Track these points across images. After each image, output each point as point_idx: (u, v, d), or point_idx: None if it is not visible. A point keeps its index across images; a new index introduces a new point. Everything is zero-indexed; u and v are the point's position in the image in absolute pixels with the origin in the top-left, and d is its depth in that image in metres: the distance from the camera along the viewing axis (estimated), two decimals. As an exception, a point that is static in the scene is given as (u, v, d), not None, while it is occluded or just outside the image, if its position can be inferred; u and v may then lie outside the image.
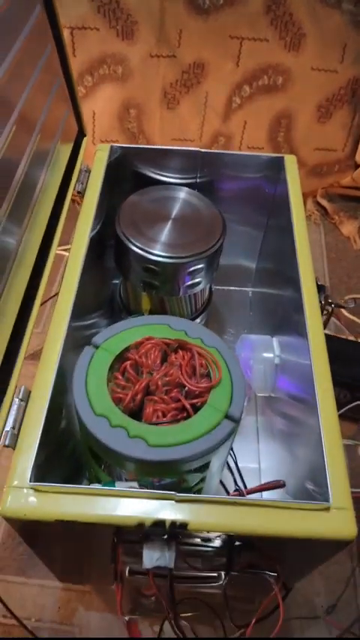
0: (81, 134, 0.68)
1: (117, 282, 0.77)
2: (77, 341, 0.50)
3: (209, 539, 0.41)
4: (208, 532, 0.40)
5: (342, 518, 0.39)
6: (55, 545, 0.47)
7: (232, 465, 0.62)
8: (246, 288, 0.90)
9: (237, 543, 0.41)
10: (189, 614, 0.56)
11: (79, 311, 0.52)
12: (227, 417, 0.43)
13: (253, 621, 0.44)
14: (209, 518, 0.38)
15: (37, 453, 0.41)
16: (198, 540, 0.41)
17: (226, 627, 0.53)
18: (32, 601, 0.66)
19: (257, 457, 0.72)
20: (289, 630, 0.66)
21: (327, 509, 0.39)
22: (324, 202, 1.17)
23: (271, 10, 0.92)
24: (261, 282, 0.84)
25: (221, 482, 0.62)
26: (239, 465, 0.65)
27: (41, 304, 0.52)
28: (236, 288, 0.91)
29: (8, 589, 0.67)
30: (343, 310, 0.95)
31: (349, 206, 1.18)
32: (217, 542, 0.42)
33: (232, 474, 0.61)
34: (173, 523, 0.38)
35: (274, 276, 0.74)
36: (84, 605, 0.66)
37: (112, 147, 0.67)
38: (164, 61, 0.97)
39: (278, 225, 0.69)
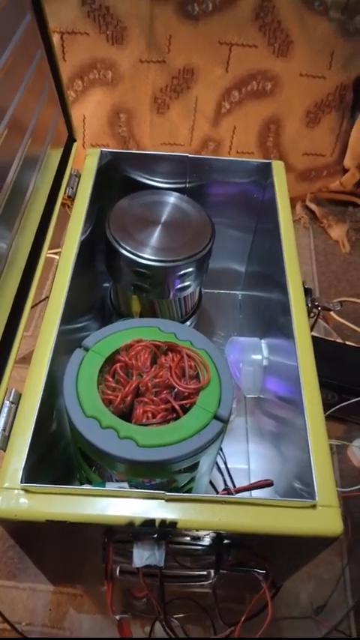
0: (71, 139, 0.69)
1: (107, 285, 0.78)
2: (68, 344, 0.51)
3: (198, 538, 0.42)
4: (197, 530, 0.40)
5: (328, 515, 0.39)
6: (47, 546, 0.48)
7: (222, 465, 0.63)
8: (235, 292, 0.91)
9: (226, 541, 0.42)
10: (180, 615, 0.56)
11: (69, 314, 0.53)
12: (216, 417, 0.44)
13: (243, 619, 0.45)
14: (198, 517, 0.39)
15: (28, 455, 0.41)
16: (187, 539, 0.42)
17: (216, 626, 0.54)
18: (23, 605, 0.66)
19: (247, 458, 0.73)
20: (279, 630, 0.66)
21: (313, 506, 0.40)
22: (313, 206, 1.18)
23: (259, 17, 0.94)
24: (250, 285, 0.85)
25: (211, 482, 0.63)
26: (229, 465, 0.66)
27: (32, 307, 0.52)
28: (226, 292, 0.91)
29: (-2, 593, 0.67)
30: (332, 313, 0.96)
31: (338, 210, 1.19)
32: (206, 541, 0.42)
33: (222, 474, 0.62)
34: (163, 522, 0.38)
35: (262, 279, 0.75)
36: (75, 608, 0.66)
37: (102, 151, 0.67)
38: (154, 66, 0.98)
39: (267, 229, 0.70)
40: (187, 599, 0.61)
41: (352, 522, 0.73)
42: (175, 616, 0.51)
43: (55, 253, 0.80)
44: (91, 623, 0.66)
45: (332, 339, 0.91)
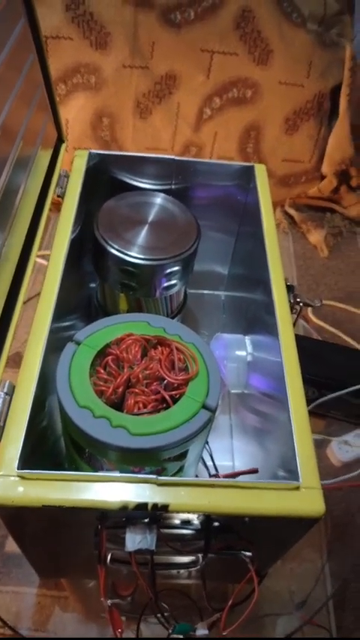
0: (60, 140, 0.70)
1: (94, 285, 0.79)
2: (55, 342, 0.52)
3: (188, 522, 0.44)
4: (187, 513, 0.42)
5: (311, 496, 0.41)
6: (40, 534, 0.48)
7: (208, 457, 0.65)
8: (219, 292, 0.93)
9: (215, 524, 0.43)
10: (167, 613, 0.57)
11: (58, 312, 0.54)
12: (204, 407, 0.46)
13: (230, 603, 0.47)
14: (188, 500, 0.41)
15: (24, 444, 0.42)
16: (177, 522, 0.44)
17: (203, 613, 0.55)
18: (5, 608, 0.66)
19: (231, 455, 0.75)
20: (262, 626, 0.68)
21: (297, 488, 0.42)
22: (292, 212, 1.20)
23: (240, 26, 0.97)
24: (233, 285, 0.87)
25: (197, 476, 0.64)
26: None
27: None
28: (209, 292, 0.93)
29: (-19, 597, 0.67)
30: (311, 315, 0.99)
31: (316, 216, 1.21)
32: (195, 524, 0.44)
33: (207, 468, 0.63)
34: (155, 505, 0.40)
35: (245, 279, 0.77)
36: (59, 611, 0.67)
37: (90, 153, 0.69)
38: (137, 71, 1.00)
39: (249, 231, 0.72)
40: (174, 590, 0.62)
41: (332, 520, 0.75)
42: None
43: (39, 256, 0.80)
44: (76, 625, 0.66)
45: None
